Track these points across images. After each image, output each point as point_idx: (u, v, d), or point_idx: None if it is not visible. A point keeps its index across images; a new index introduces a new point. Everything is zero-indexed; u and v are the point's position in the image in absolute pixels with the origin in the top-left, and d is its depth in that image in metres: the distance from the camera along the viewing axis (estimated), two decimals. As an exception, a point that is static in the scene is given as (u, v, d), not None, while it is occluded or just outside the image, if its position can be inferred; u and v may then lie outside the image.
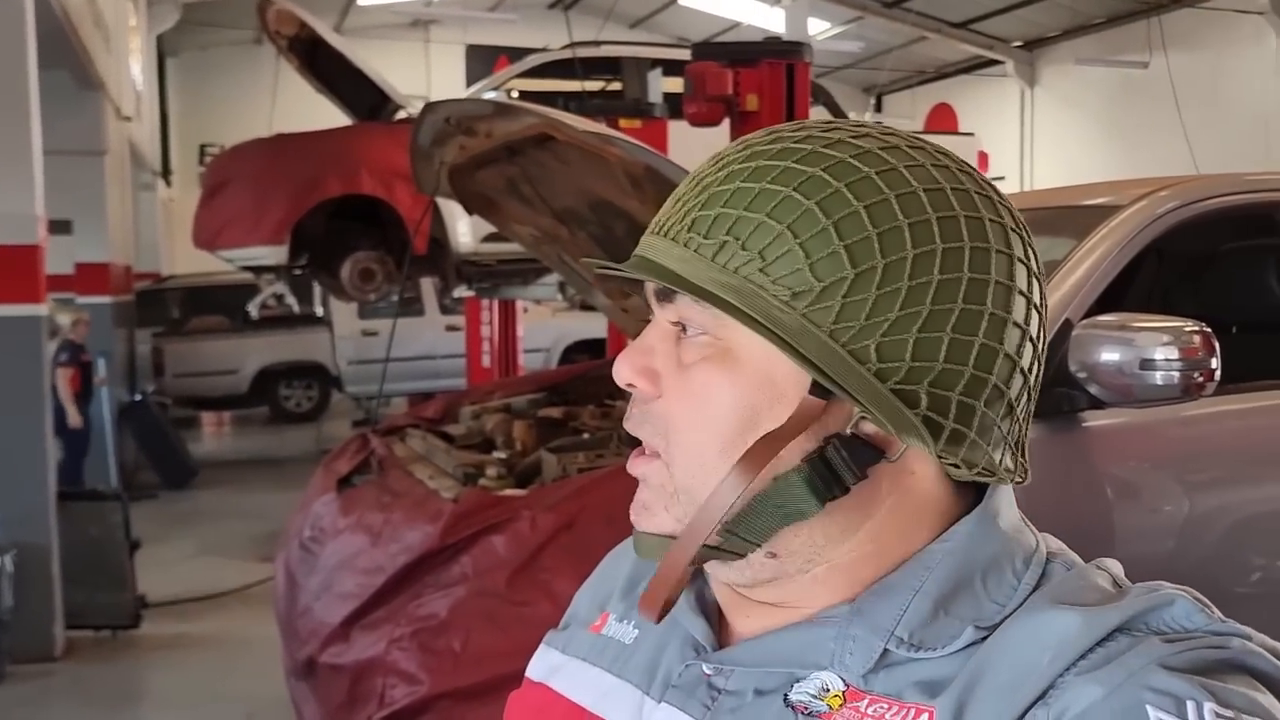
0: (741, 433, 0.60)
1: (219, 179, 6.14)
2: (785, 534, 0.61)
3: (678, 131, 5.08)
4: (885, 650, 0.60)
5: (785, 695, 0.62)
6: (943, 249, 0.59)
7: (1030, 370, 0.63)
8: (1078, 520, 2.25)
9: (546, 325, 10.46)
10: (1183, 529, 2.43)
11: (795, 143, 0.62)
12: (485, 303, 7.49)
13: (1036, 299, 0.63)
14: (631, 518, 0.66)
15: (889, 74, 15.11)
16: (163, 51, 14.37)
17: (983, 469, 0.61)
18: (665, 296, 0.64)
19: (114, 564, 4.70)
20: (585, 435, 2.70)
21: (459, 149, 2.82)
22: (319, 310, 10.94)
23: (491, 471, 2.45)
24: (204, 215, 6.06)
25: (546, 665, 0.79)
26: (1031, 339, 0.62)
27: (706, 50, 4.44)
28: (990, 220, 0.61)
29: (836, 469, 0.60)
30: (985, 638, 0.59)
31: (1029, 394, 0.63)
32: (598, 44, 7.28)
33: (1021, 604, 0.60)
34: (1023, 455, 0.65)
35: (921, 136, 0.65)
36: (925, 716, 0.57)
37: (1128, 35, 12.18)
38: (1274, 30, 10.46)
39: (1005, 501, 0.65)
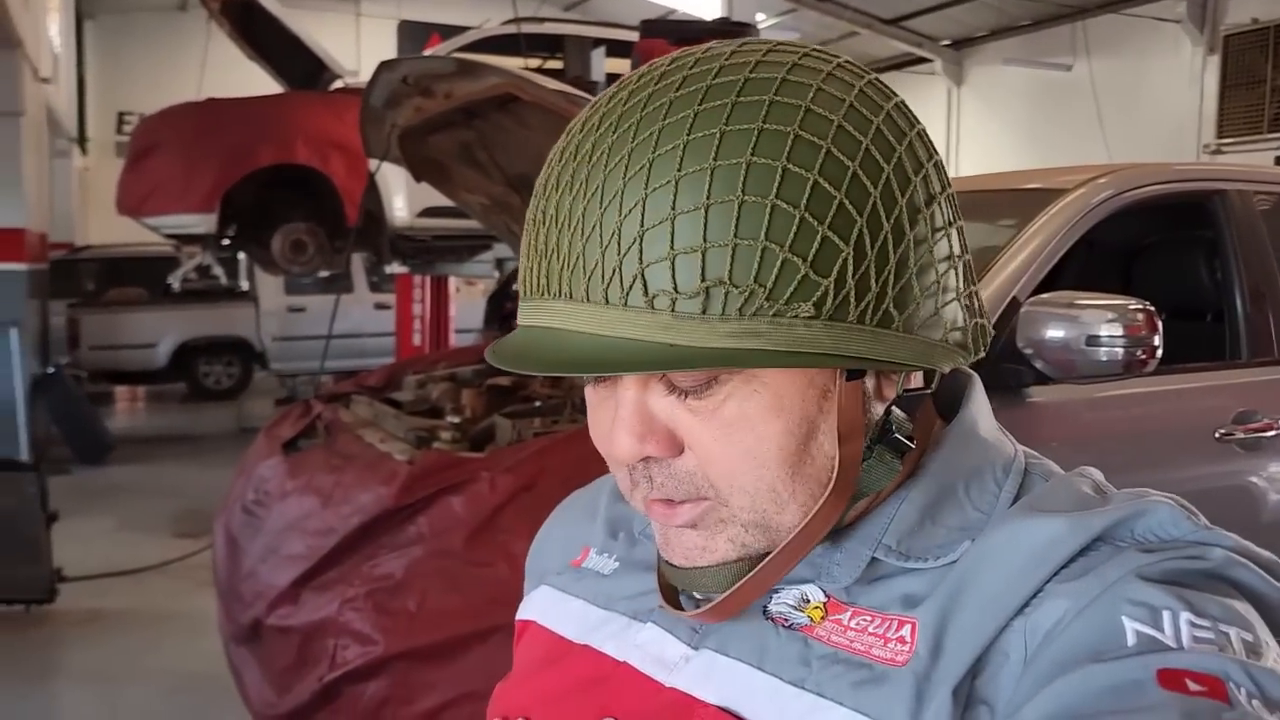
0: (805, 448, 0.55)
1: (147, 142, 5.92)
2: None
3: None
4: (874, 560, 0.58)
5: (765, 608, 0.60)
6: (886, 179, 0.52)
7: (962, 252, 0.58)
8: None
9: (478, 305, 10.36)
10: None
11: (676, 117, 0.51)
12: (417, 280, 7.37)
13: (936, 173, 0.56)
14: (679, 560, 0.59)
15: (822, 68, 15.25)
16: (80, 13, 13.83)
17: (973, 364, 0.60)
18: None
19: (29, 536, 4.51)
20: (537, 403, 2.68)
21: (414, 110, 2.76)
22: (244, 284, 10.67)
23: (445, 435, 2.40)
24: (130, 179, 5.85)
25: (532, 602, 0.77)
26: (947, 219, 0.56)
27: (654, 28, 4.43)
28: (885, 124, 0.54)
29: (901, 431, 0.60)
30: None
31: (968, 270, 0.59)
32: (541, 20, 7.21)
33: (1002, 513, 0.59)
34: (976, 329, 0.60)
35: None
36: (908, 628, 0.55)
37: (1053, 38, 12.49)
38: (1189, 39, 10.82)
39: (982, 411, 0.64)
